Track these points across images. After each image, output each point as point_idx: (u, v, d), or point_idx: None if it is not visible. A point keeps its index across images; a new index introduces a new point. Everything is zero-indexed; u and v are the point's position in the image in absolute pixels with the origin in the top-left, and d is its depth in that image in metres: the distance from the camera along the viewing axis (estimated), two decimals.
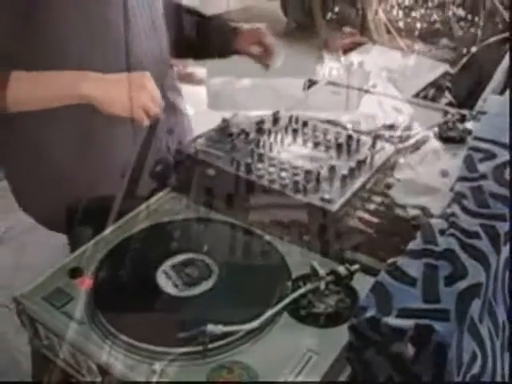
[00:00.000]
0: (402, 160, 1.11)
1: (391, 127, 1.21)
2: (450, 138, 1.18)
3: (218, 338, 0.75)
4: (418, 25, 1.84)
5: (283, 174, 0.99)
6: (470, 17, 1.81)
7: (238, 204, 1.01)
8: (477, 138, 0.91)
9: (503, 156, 0.85)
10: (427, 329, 0.62)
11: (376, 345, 0.66)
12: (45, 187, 1.21)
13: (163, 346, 0.75)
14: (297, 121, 1.17)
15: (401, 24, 1.87)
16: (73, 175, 1.18)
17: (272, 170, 1.01)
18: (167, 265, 0.89)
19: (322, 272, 0.83)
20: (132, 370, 0.73)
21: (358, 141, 1.09)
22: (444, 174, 1.06)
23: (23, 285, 0.87)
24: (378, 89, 1.42)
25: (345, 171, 0.99)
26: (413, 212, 0.96)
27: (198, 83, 2.80)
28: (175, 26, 1.35)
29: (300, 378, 0.71)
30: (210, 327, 0.74)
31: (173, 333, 0.76)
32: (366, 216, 0.97)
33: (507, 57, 1.55)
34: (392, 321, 0.64)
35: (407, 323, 0.63)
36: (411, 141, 1.17)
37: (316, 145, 1.09)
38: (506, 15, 1.75)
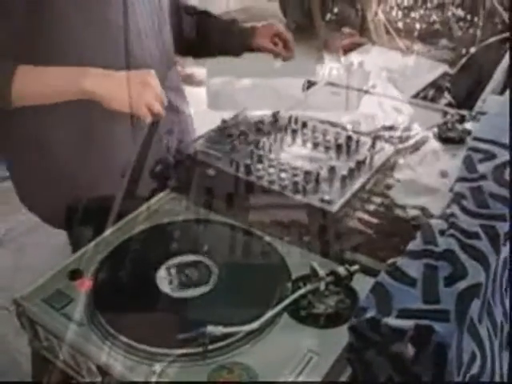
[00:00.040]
0: (401, 160, 1.11)
1: (391, 128, 1.21)
2: (449, 138, 1.18)
3: (218, 339, 0.75)
4: (418, 25, 1.84)
5: (283, 174, 0.99)
6: (469, 17, 1.81)
7: (238, 205, 1.01)
8: (476, 139, 0.91)
9: (503, 156, 0.85)
10: (427, 329, 0.62)
11: (376, 345, 0.66)
12: (45, 182, 1.22)
13: (163, 347, 0.75)
14: (296, 121, 1.17)
15: (400, 25, 1.87)
16: (73, 173, 1.19)
17: (272, 170, 1.01)
18: (167, 266, 0.89)
19: (321, 273, 0.83)
20: (132, 371, 0.73)
21: (358, 141, 1.09)
22: (443, 174, 1.06)
23: (23, 287, 0.87)
24: (378, 89, 1.42)
25: (344, 172, 0.99)
26: (412, 212, 0.96)
27: (197, 84, 2.81)
28: (187, 26, 1.37)
29: (301, 379, 0.71)
30: (210, 328, 0.74)
31: (173, 334, 0.76)
32: (366, 216, 0.97)
33: (507, 57, 1.55)
34: (392, 321, 0.64)
35: (407, 324, 0.63)
36: (411, 141, 1.17)
37: (315, 145, 1.09)
38: (506, 16, 1.75)
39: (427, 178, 1.06)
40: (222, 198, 1.02)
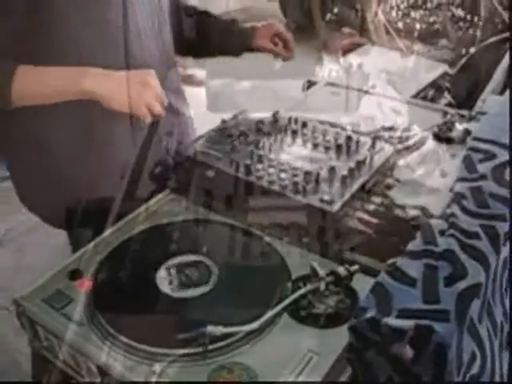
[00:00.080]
0: (401, 161, 1.11)
1: (390, 129, 1.21)
2: (449, 138, 1.18)
3: (218, 339, 0.75)
4: (418, 26, 1.84)
5: (283, 175, 0.99)
6: (469, 17, 1.81)
7: (238, 205, 1.01)
8: (476, 139, 0.91)
9: (503, 156, 0.85)
10: (427, 329, 0.62)
11: (376, 345, 0.66)
12: (45, 182, 1.22)
13: (163, 347, 0.75)
14: (296, 122, 1.17)
15: (400, 25, 1.87)
16: (73, 173, 1.19)
17: (271, 171, 1.01)
18: (167, 266, 0.89)
19: (321, 273, 0.83)
20: (132, 371, 0.73)
21: (358, 141, 1.09)
22: (443, 174, 1.06)
23: (23, 287, 0.87)
24: (378, 90, 1.42)
25: (344, 172, 0.99)
26: (412, 212, 0.96)
27: (197, 85, 2.81)
28: (187, 26, 1.37)
29: (301, 379, 0.71)
30: (210, 328, 0.74)
31: (173, 334, 0.76)
32: (366, 217, 0.97)
33: (507, 57, 1.55)
34: (392, 321, 0.64)
35: (407, 324, 0.63)
36: (410, 141, 1.17)
37: (315, 146, 1.09)
38: (506, 16, 1.75)
39: (427, 178, 1.06)
40: (222, 198, 1.02)
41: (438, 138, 1.19)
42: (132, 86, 1.06)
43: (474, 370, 0.67)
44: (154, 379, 0.72)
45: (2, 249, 2.48)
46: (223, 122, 1.18)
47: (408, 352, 0.63)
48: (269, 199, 0.98)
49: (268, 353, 0.75)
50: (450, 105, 1.48)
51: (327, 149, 1.08)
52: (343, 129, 1.16)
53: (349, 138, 1.09)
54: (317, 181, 0.98)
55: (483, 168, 0.84)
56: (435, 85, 1.54)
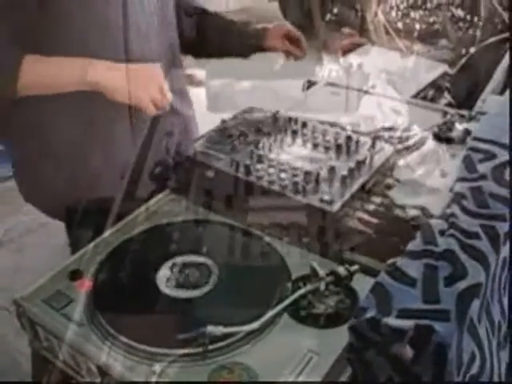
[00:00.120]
0: (401, 161, 1.11)
1: (390, 129, 1.21)
2: (449, 138, 1.18)
3: (218, 339, 0.75)
4: (417, 26, 1.84)
5: (283, 175, 0.99)
6: (469, 17, 1.81)
7: (238, 205, 1.01)
8: (476, 139, 0.91)
9: (503, 156, 0.85)
10: (427, 329, 0.62)
11: (376, 345, 0.66)
12: (46, 174, 1.22)
13: (163, 347, 0.75)
14: (296, 122, 1.17)
15: (400, 25, 1.87)
16: (73, 172, 1.19)
17: (271, 171, 1.01)
18: (167, 266, 0.89)
19: (321, 273, 0.83)
20: (132, 371, 0.73)
21: (358, 141, 1.09)
22: (443, 174, 1.06)
23: (23, 287, 0.87)
24: (377, 90, 1.42)
25: (344, 172, 0.99)
26: (412, 212, 0.96)
27: (197, 85, 2.81)
28: (197, 27, 1.38)
29: (301, 379, 0.71)
30: (210, 328, 0.74)
31: (173, 334, 0.76)
32: (366, 217, 0.97)
33: (507, 57, 1.55)
34: (392, 321, 0.64)
35: (407, 324, 0.63)
36: (410, 141, 1.17)
37: (315, 146, 1.09)
38: (505, 16, 1.74)
39: (427, 177, 1.06)
40: (222, 198, 1.02)
41: (438, 137, 1.19)
42: (137, 78, 1.06)
43: (474, 370, 0.67)
44: (154, 379, 0.72)
45: (1, 249, 2.48)
46: (223, 122, 1.18)
47: (408, 352, 0.63)
48: (269, 199, 0.98)
49: (268, 353, 0.75)
50: (449, 105, 1.48)
51: (327, 149, 1.08)
52: (343, 129, 1.16)
53: (349, 138, 1.09)
54: (317, 181, 0.98)
55: (483, 168, 0.84)
56: (435, 85, 1.54)
